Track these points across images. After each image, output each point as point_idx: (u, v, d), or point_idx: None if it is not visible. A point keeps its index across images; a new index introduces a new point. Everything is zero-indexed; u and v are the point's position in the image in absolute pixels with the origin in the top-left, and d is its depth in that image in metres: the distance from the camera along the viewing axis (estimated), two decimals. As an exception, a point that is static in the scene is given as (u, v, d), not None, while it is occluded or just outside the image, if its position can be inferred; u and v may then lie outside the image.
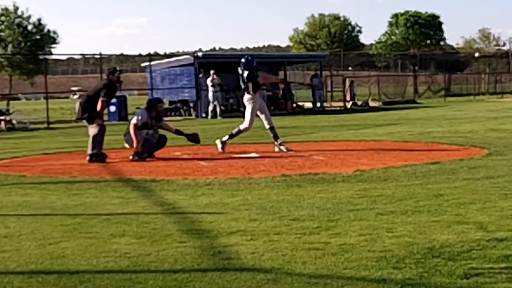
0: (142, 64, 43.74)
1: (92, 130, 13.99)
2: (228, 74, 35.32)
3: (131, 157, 13.97)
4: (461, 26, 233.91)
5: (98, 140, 13.90)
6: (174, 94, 36.27)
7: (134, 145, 14.06)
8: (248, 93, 14.72)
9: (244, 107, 15.27)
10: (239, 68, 14.92)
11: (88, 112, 14.07)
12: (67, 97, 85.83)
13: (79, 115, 14.32)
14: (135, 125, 14.33)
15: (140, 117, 14.48)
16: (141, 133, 14.22)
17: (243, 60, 14.91)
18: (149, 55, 42.23)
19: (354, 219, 7.10)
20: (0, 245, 6.42)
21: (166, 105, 37.74)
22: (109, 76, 14.46)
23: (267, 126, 14.89)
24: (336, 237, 6.30)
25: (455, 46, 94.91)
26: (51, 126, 29.69)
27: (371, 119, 27.94)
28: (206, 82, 32.85)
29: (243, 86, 14.88)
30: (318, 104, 38.21)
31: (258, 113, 14.87)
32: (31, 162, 14.15)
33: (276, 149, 14.70)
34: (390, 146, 15.32)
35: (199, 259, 5.68)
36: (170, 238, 6.47)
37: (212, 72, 32.19)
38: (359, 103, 43.28)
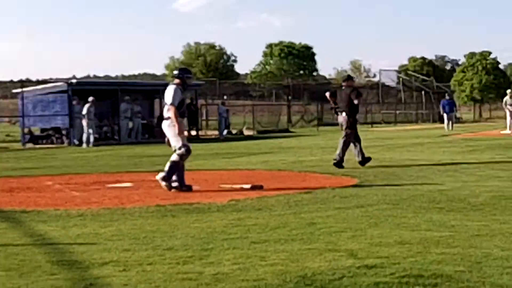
0: (14, 91, 42.57)
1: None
2: (102, 101, 34.90)
3: (160, 179, 12.05)
4: (334, 58, 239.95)
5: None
6: (46, 122, 35.46)
7: (176, 131, 11.90)
8: None
9: None
10: None
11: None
12: None
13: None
14: (174, 107, 11.65)
15: (174, 95, 11.64)
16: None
17: None
18: (21, 81, 41.17)
19: (228, 247, 7.12)
20: None
21: (37, 132, 36.95)
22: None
23: None
24: (210, 266, 6.30)
25: (327, 76, 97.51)
26: None
27: (246, 147, 28.19)
28: (80, 109, 32.29)
29: None
30: (225, 132, 40.07)
31: None
32: None
33: None
34: (264, 175, 15.48)
35: (70, 291, 5.55)
36: (40, 270, 6.30)
37: (91, 99, 31.75)
38: (234, 131, 43.65)
